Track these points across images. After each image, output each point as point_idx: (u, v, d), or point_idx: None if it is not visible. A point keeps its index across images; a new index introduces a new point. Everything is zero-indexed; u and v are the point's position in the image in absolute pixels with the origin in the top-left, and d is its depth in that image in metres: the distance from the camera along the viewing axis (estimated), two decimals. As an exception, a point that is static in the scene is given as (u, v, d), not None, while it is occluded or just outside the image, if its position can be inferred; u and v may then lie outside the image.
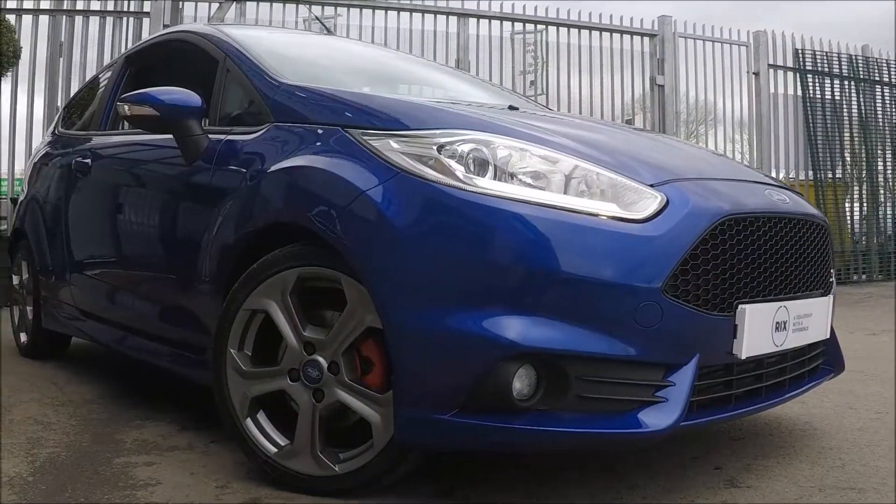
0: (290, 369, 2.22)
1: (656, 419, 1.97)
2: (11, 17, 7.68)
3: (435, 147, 2.08)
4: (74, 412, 3.14)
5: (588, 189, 2.05)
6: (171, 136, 2.81)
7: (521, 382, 1.95)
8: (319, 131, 2.35)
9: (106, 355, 4.38)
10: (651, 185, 2.10)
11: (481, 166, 2.05)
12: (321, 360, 2.17)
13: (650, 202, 2.05)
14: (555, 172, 2.06)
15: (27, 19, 7.99)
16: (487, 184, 2.01)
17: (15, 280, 4.75)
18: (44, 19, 8.05)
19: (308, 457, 2.18)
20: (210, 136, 2.76)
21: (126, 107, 2.81)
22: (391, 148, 2.12)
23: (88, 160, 3.65)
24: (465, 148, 2.07)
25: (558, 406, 1.96)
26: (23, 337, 4.54)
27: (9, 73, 7.48)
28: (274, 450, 2.25)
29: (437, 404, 1.97)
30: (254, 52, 2.90)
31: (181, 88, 2.79)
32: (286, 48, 3.26)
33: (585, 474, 2.41)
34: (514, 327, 1.91)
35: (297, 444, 2.21)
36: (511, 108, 2.98)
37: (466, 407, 1.95)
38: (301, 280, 2.22)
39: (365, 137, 2.19)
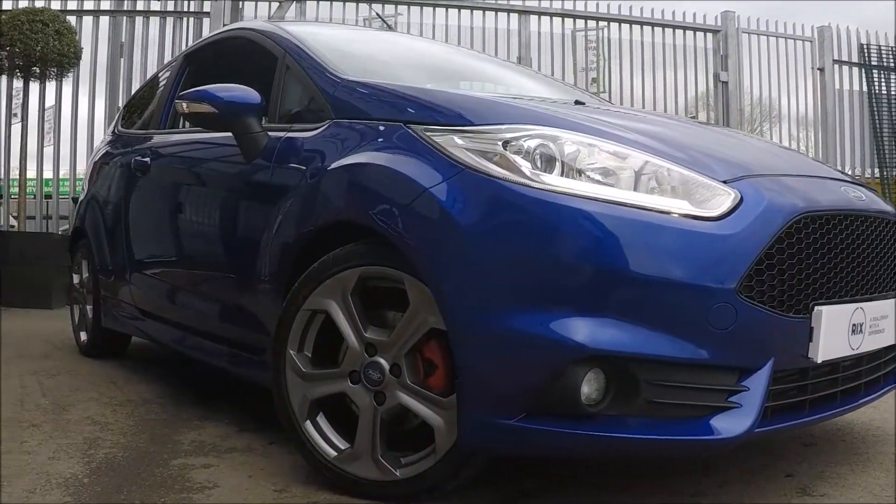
0: (350, 371, 2.17)
1: (730, 425, 1.89)
2: (72, 19, 7.78)
3: (500, 143, 2.01)
4: (132, 412, 3.13)
5: (659, 186, 1.97)
6: (229, 133, 2.78)
7: (589, 387, 1.88)
8: (381, 128, 2.30)
9: (166, 355, 4.38)
10: (724, 182, 2.01)
11: (548, 162, 1.98)
12: (383, 361, 2.12)
13: (723, 199, 1.96)
14: (624, 169, 1.98)
15: (87, 20, 8.09)
16: (555, 180, 1.94)
17: (75, 279, 4.78)
18: (104, 20, 8.14)
19: (368, 461, 2.13)
20: (269, 133, 2.72)
21: (184, 104, 2.78)
22: (455, 144, 2.06)
23: (148, 159, 3.65)
24: (532, 143, 2.00)
25: (627, 411, 1.89)
26: (83, 336, 4.57)
27: (70, 74, 7.58)
28: (334, 453, 2.20)
29: (503, 408, 1.90)
30: (313, 49, 2.86)
31: (240, 85, 2.76)
32: (346, 44, 3.22)
33: (653, 482, 2.33)
34: (582, 329, 1.84)
35: (358, 447, 2.15)
36: (577, 102, 2.90)
37: (533, 411, 1.89)
38: (362, 280, 2.17)
39: (428, 133, 2.13)
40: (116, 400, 3.34)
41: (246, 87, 2.75)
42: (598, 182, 1.95)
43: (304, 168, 2.48)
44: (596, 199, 1.90)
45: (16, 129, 7.75)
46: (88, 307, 4.46)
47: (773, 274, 1.93)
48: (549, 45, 9.01)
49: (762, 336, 1.94)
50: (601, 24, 9.32)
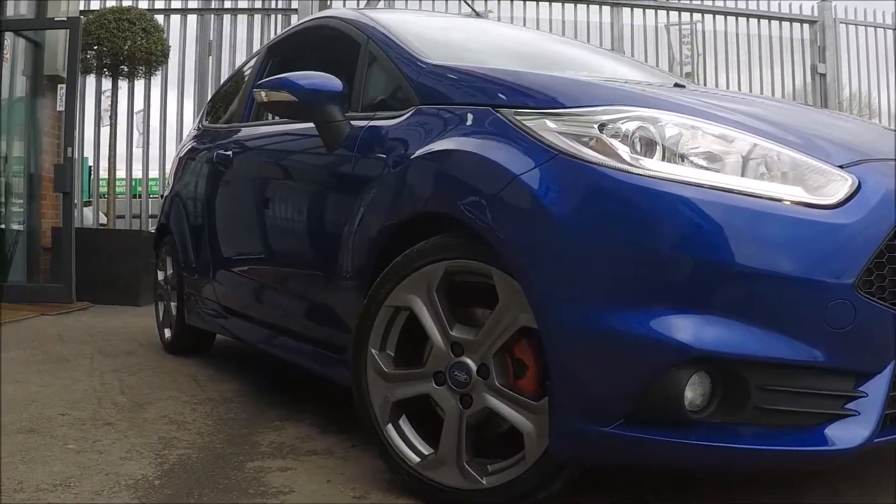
0: (435, 372, 2.04)
1: (846, 435, 1.70)
2: (159, 18, 7.85)
3: (596, 126, 1.85)
4: (211, 411, 3.06)
5: (768, 171, 1.78)
6: (311, 124, 2.68)
7: (693, 391, 1.70)
8: (467, 113, 2.15)
9: (250, 353, 4.31)
10: (840, 167, 1.81)
11: (648, 147, 1.81)
12: (470, 362, 1.97)
13: (840, 186, 1.76)
14: (730, 153, 1.80)
15: (175, 19, 8.16)
16: (656, 166, 1.77)
17: (160, 276, 4.76)
18: (192, 19, 8.20)
19: (453, 468, 1.99)
20: (352, 122, 2.61)
21: (263, 93, 2.69)
22: (547, 128, 1.90)
23: (229, 152, 3.58)
24: (630, 126, 1.83)
25: (735, 419, 1.71)
26: (167, 333, 4.55)
27: (158, 73, 7.65)
28: (416, 459, 2.07)
29: (598, 415, 1.74)
30: (397, 34, 2.74)
31: (321, 73, 2.66)
32: (431, 30, 3.09)
33: (757, 495, 2.15)
34: (686, 328, 1.66)
35: (442, 453, 2.02)
36: (677, 85, 2.71)
37: (631, 418, 1.72)
38: (448, 274, 2.03)
39: (518, 118, 1.98)
40: (196, 398, 3.27)
41: (328, 74, 2.64)
42: (703, 168, 1.77)
43: (386, 157, 2.36)
44: (701, 186, 1.72)
45: (105, 128, 7.86)
46: (173, 304, 4.43)
47: (895, 268, 1.72)
48: (642, 38, 8.82)
49: (883, 336, 1.74)
50: (695, 17, 9.04)
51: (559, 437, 1.79)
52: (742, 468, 1.89)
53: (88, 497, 2.07)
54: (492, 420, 2.00)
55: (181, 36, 8.30)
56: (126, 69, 7.21)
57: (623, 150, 1.78)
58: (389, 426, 2.12)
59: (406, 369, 2.12)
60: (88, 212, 9.06)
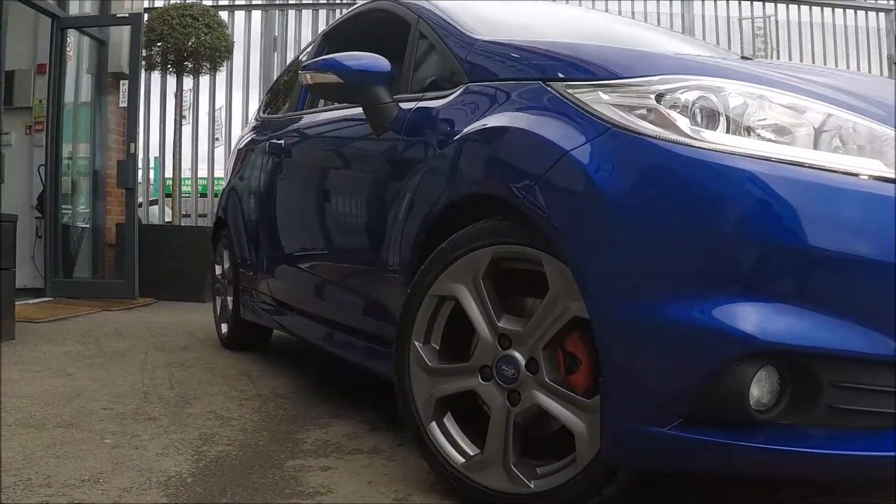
0: (481, 366, 1.89)
1: None
2: (224, 14, 7.85)
3: (653, 96, 1.67)
4: (260, 407, 2.96)
5: (843, 145, 1.58)
6: (360, 108, 2.56)
7: (760, 389, 1.51)
8: (516, 88, 2.01)
9: (307, 349, 4.19)
10: None
11: (710, 118, 1.62)
12: (518, 356, 1.82)
13: None
14: (801, 125, 1.60)
15: (239, 15, 8.16)
16: (719, 138, 1.59)
17: (217, 270, 4.71)
18: (256, 15, 8.19)
19: (499, 470, 1.84)
20: (400, 105, 2.48)
21: (308, 75, 2.57)
22: (600, 100, 1.73)
23: (281, 142, 3.49)
24: (690, 96, 1.64)
25: (805, 420, 1.51)
26: (224, 328, 4.49)
27: (222, 69, 7.64)
28: (461, 460, 1.93)
29: (654, 414, 1.56)
30: (447, 12, 2.60)
31: (367, 53, 2.53)
32: (485, 10, 2.93)
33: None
34: (752, 318, 1.47)
35: (488, 454, 1.87)
36: (744, 58, 2.51)
37: (691, 419, 1.53)
38: (496, 261, 1.88)
39: (570, 91, 1.82)
40: (246, 394, 3.18)
41: (374, 54, 2.52)
42: (771, 141, 1.59)
43: (432, 139, 2.23)
44: (769, 160, 1.54)
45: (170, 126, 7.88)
46: (229, 298, 4.36)
47: None
48: (714, 29, 8.53)
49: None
50: (768, 9, 8.73)
51: (611, 438, 1.62)
52: (813, 475, 1.68)
53: (116, 494, 1.97)
54: (542, 419, 1.84)
55: (246, 32, 8.29)
56: (190, 65, 7.20)
57: (682, 122, 1.61)
58: (433, 424, 1.98)
59: (451, 363, 1.98)
60: (155, 210, 9.11)
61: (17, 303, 5.71)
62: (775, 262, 1.48)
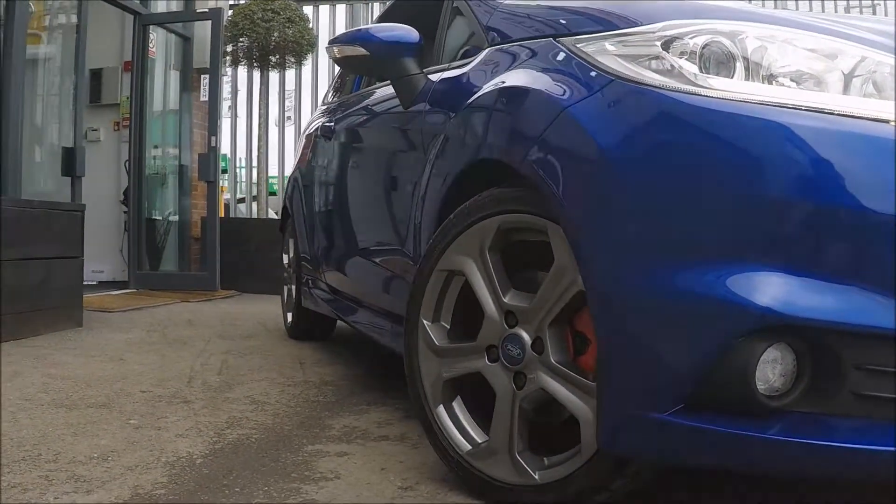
0: (488, 346, 1.75)
1: None
2: (308, 9, 7.87)
3: (659, 43, 1.49)
4: (300, 393, 2.88)
5: (878, 92, 1.38)
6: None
7: (772, 370, 1.32)
8: (529, 48, 1.86)
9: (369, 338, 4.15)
10: None
11: (724, 65, 1.44)
12: (524, 334, 1.68)
13: None
14: (831, 70, 1.40)
15: (324, 9, 8.17)
16: (727, 85, 1.40)
17: (284, 259, 4.69)
18: (341, 8, 8.19)
19: (505, 459, 1.69)
20: (429, 76, 2.36)
21: (336, 49, 2.48)
22: (605, 51, 1.57)
23: (332, 124, 3.42)
24: (700, 40, 1.46)
25: (828, 409, 1.31)
26: (289, 318, 4.45)
27: (307, 62, 7.65)
28: (468, 447, 1.79)
29: (652, 398, 1.38)
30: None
31: (396, 24, 2.43)
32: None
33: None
34: (760, 288, 1.28)
35: (493, 441, 1.73)
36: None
37: (691, 404, 1.35)
38: (504, 232, 1.74)
39: (578, 45, 1.66)
40: (291, 381, 3.11)
41: (403, 25, 2.41)
42: (793, 87, 1.40)
43: (451, 107, 2.09)
44: (788, 108, 1.34)
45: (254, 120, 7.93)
46: (293, 287, 4.33)
47: None
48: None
49: None
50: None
51: (607, 424, 1.45)
52: (838, 474, 1.41)
53: (118, 472, 1.92)
54: (554, 405, 1.69)
55: (331, 26, 8.29)
56: (274, 60, 7.23)
57: (689, 69, 1.43)
58: (441, 408, 1.85)
59: (458, 343, 1.84)
60: (243, 208, 9.22)
61: (98, 294, 5.85)
62: (799, 225, 1.29)
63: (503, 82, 1.82)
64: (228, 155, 8.53)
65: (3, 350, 3.53)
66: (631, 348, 1.40)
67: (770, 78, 1.41)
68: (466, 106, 1.95)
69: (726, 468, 1.40)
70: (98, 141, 7.09)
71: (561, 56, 1.68)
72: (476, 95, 1.92)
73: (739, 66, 1.42)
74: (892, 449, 1.27)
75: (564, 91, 1.59)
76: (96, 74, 7.08)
